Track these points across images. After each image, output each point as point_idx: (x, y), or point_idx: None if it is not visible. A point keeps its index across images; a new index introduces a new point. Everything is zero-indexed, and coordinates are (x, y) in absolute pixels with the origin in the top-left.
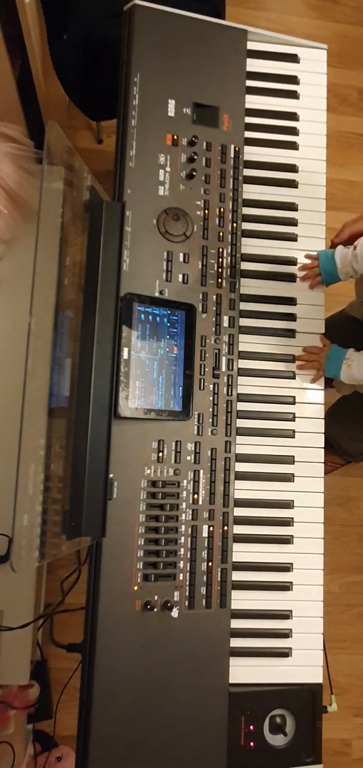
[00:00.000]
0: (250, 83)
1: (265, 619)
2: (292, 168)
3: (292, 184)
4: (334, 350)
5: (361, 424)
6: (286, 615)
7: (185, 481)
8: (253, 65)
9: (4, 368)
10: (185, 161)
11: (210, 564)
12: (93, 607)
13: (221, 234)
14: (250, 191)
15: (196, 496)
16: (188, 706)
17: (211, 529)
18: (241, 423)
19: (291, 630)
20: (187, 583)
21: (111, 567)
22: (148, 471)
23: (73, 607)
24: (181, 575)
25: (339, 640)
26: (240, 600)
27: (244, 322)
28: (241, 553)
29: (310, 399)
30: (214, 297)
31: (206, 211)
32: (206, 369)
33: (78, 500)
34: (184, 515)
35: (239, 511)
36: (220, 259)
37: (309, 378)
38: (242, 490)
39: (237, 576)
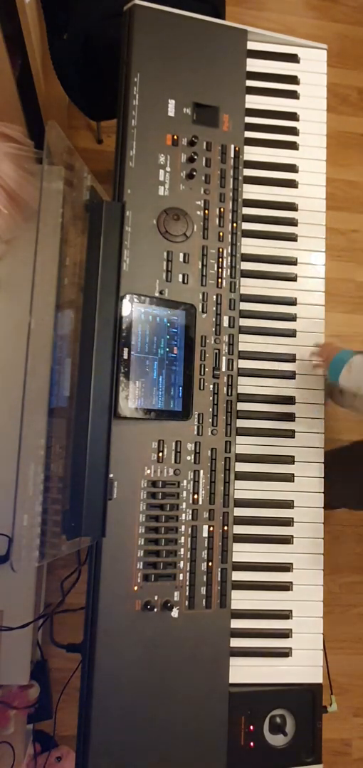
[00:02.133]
0: (250, 83)
1: (265, 619)
2: (292, 168)
3: (292, 184)
4: (344, 353)
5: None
6: (286, 615)
7: (185, 481)
8: (253, 65)
9: (4, 368)
10: (185, 161)
11: (210, 564)
12: (93, 607)
13: (221, 234)
14: (250, 191)
15: (196, 496)
16: (188, 706)
17: (211, 529)
18: (241, 423)
19: (291, 630)
20: (187, 583)
21: (111, 567)
22: (148, 471)
23: (73, 607)
24: (181, 575)
25: (339, 640)
26: (240, 600)
27: (244, 322)
28: (241, 553)
29: (311, 399)
30: (214, 297)
31: (206, 211)
32: (206, 369)
33: (78, 500)
34: (184, 515)
35: (239, 511)
36: (220, 259)
37: (308, 377)
38: (242, 490)
39: (237, 576)
